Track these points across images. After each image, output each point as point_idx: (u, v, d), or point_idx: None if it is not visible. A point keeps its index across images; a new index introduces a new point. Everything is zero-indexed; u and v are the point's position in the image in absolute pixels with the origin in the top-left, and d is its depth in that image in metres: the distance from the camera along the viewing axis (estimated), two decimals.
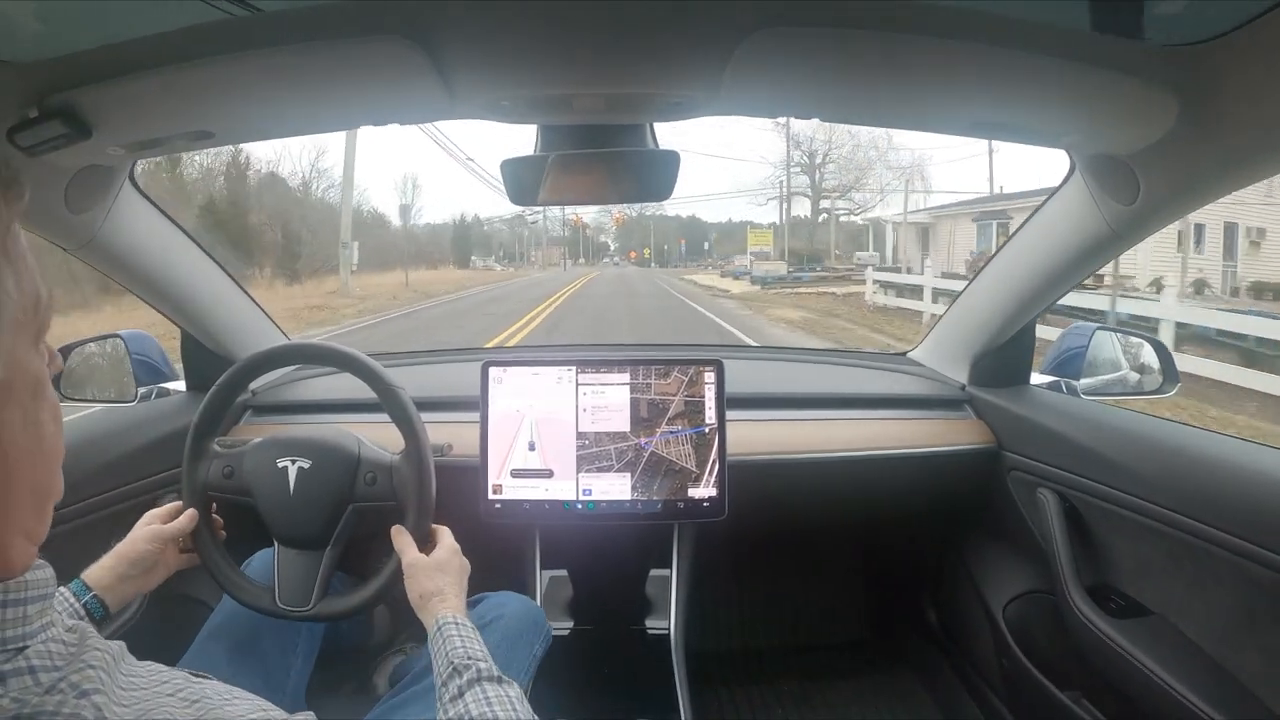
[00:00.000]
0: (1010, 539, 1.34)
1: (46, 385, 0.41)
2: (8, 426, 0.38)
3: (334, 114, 0.82)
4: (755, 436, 1.29)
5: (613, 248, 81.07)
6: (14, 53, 0.64)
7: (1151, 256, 12.30)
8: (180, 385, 1.38)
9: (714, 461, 1.17)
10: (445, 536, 0.91)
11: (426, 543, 0.90)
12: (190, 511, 0.91)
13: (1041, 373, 1.38)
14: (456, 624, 0.77)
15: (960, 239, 21.11)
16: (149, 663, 0.45)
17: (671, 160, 0.88)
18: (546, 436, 1.19)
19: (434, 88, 0.70)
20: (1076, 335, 1.35)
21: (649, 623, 1.30)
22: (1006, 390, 1.36)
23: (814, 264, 27.50)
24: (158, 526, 0.88)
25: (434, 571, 0.85)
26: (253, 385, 1.42)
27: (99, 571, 0.82)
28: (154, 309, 1.24)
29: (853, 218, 40.72)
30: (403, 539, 0.89)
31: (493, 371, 1.19)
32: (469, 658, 0.72)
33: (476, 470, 1.18)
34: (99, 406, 1.33)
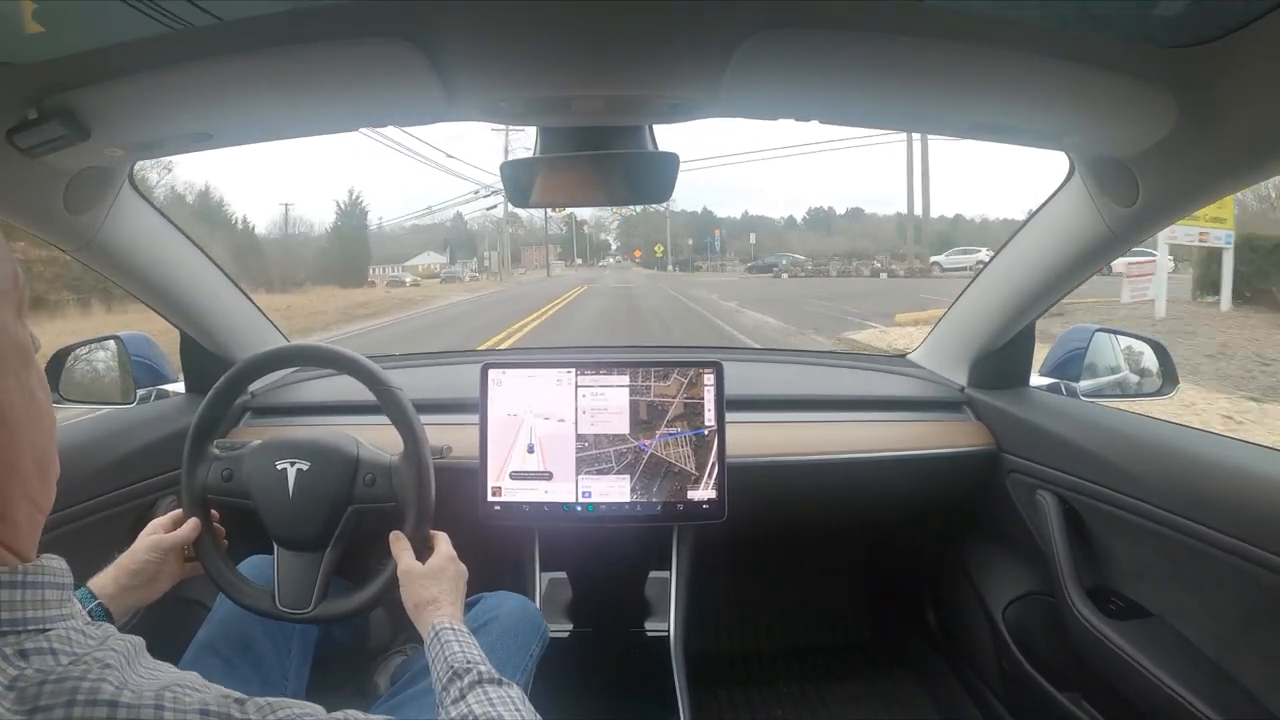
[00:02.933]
0: (1010, 541, 1.34)
1: (33, 355, 0.44)
2: (5, 392, 0.40)
3: (332, 116, 0.82)
4: (755, 438, 1.29)
5: (614, 245, 75.05)
6: (13, 54, 0.64)
7: None
8: (179, 387, 1.38)
9: (713, 463, 1.17)
10: (443, 544, 0.90)
11: (425, 548, 0.90)
12: (192, 521, 0.90)
13: (1041, 374, 1.38)
14: (453, 630, 0.77)
15: None
16: (165, 662, 0.47)
17: (670, 162, 0.88)
18: (546, 439, 1.19)
19: (432, 89, 0.70)
20: (1076, 337, 1.35)
21: (648, 625, 1.30)
22: (1006, 392, 1.36)
23: None
24: (159, 536, 0.88)
25: (429, 580, 0.84)
26: (252, 387, 1.42)
27: (103, 580, 0.82)
28: (153, 310, 1.24)
29: None
30: (400, 545, 0.88)
31: (492, 374, 1.19)
32: (468, 661, 0.71)
33: (476, 472, 1.18)
34: (98, 408, 1.33)
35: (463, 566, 0.89)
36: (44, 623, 0.40)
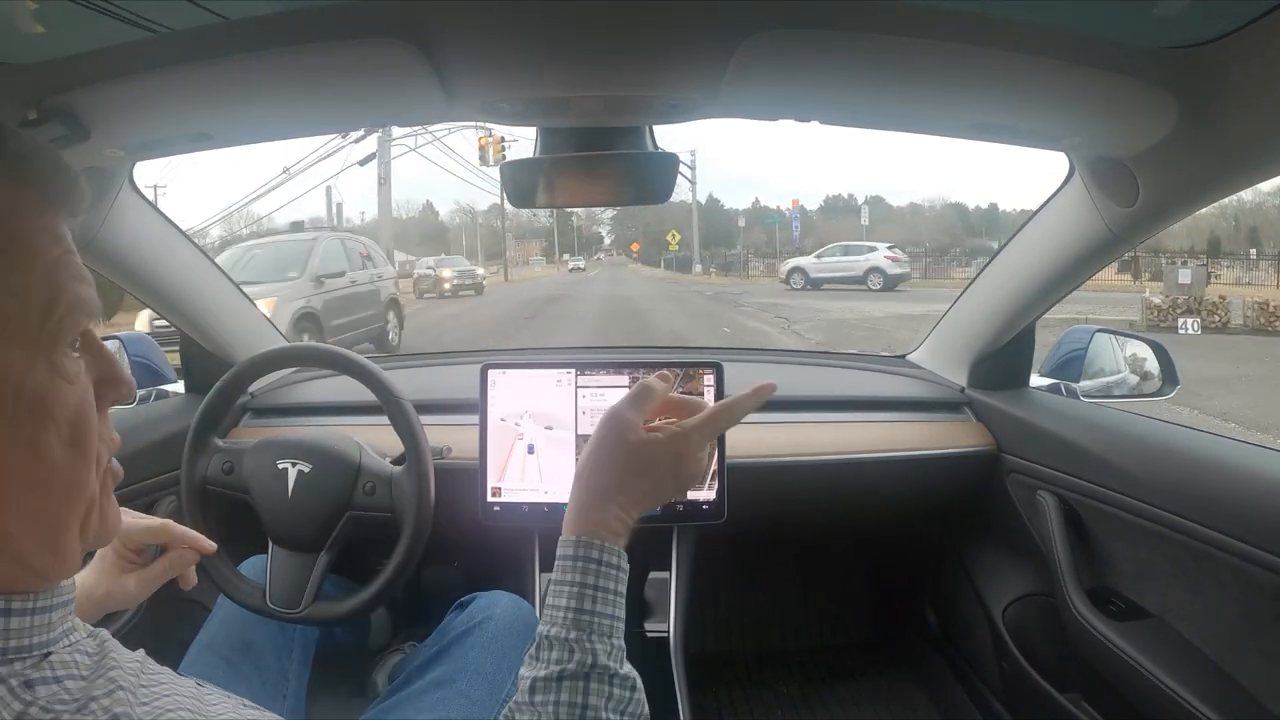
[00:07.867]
0: (1010, 542, 1.34)
1: (56, 407, 0.37)
2: None
3: (332, 116, 0.83)
4: (755, 439, 1.29)
5: (608, 240, 69.11)
6: (13, 54, 0.64)
7: None
8: (179, 387, 1.38)
9: (713, 465, 1.17)
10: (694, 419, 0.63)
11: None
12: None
13: (1041, 375, 1.38)
14: (619, 568, 0.54)
15: None
16: (165, 669, 0.45)
17: (670, 163, 0.88)
18: (546, 439, 1.18)
19: (431, 90, 0.70)
20: (1076, 338, 1.35)
21: (648, 625, 1.30)
22: (1006, 393, 1.36)
23: None
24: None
25: (641, 476, 0.58)
26: (251, 387, 1.42)
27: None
28: (153, 311, 1.25)
29: None
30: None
31: (492, 374, 1.19)
32: (592, 635, 0.52)
33: (475, 473, 1.18)
34: None
35: (698, 462, 0.62)
36: (47, 646, 0.38)
